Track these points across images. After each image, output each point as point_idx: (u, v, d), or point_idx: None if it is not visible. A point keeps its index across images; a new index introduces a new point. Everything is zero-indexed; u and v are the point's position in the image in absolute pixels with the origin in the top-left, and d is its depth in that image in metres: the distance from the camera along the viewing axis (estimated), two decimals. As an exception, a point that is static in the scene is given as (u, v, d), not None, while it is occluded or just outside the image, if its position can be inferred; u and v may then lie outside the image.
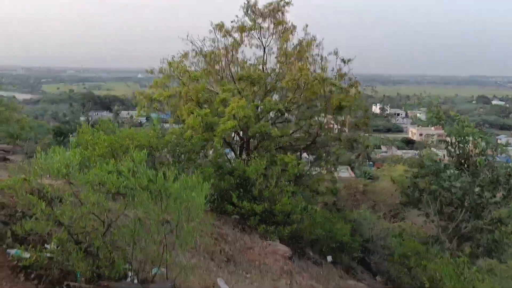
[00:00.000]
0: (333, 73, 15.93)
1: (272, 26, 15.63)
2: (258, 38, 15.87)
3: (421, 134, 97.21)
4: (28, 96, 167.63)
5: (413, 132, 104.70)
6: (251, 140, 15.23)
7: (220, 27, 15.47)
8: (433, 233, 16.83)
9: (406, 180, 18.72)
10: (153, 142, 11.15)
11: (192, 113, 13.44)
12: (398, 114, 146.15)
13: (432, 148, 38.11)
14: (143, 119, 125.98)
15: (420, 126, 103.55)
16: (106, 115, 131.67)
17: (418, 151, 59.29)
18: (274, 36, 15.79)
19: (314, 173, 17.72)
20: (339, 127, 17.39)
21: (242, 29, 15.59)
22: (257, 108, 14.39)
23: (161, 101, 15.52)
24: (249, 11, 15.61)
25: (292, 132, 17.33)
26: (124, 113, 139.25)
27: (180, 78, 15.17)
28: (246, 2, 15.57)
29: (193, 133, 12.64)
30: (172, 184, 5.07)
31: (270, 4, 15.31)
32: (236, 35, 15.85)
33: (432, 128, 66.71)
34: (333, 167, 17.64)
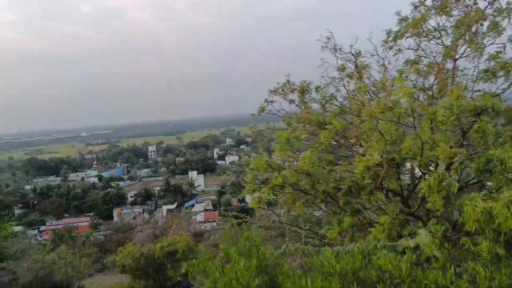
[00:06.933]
0: None
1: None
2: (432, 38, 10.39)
3: None
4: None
5: None
6: None
7: (416, 24, 10.21)
8: None
9: None
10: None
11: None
12: None
13: None
14: (95, 180, 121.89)
15: None
16: (54, 179, 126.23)
17: None
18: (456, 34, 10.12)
19: None
20: None
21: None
22: None
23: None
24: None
25: None
26: (73, 175, 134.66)
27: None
28: None
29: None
30: None
31: None
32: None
33: None
34: None
